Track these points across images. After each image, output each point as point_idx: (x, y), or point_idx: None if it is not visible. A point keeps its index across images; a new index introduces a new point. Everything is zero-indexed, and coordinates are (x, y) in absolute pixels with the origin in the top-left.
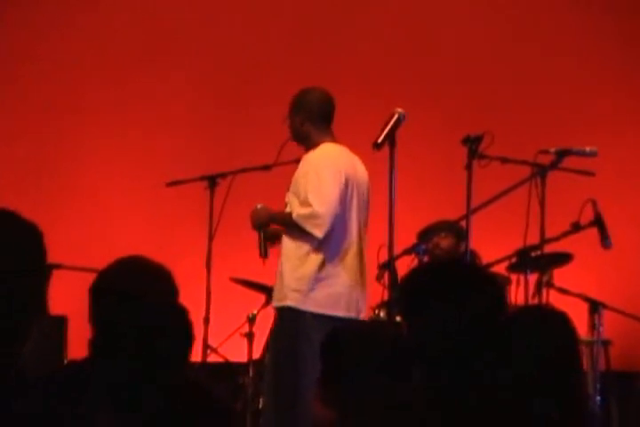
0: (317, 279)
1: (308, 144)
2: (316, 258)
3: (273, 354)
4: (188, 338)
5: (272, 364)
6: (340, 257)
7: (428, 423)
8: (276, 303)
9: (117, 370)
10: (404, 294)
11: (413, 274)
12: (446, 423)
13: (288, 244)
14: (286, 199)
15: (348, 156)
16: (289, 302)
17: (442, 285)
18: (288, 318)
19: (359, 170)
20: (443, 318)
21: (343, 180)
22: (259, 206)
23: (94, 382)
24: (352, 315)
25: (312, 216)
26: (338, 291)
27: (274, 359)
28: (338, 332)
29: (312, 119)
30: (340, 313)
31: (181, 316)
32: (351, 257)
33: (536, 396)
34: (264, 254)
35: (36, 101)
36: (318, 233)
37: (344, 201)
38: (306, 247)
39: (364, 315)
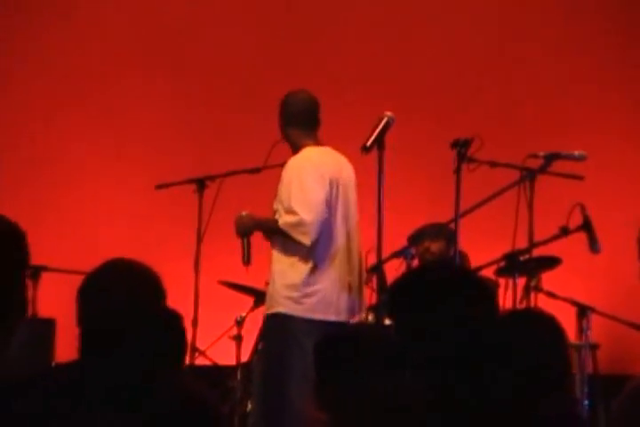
0: (307, 285)
1: (293, 148)
2: (305, 264)
3: (263, 359)
4: (180, 343)
5: (262, 369)
6: (328, 262)
7: (428, 425)
8: (267, 310)
9: (108, 375)
10: (398, 295)
11: (406, 277)
12: (445, 425)
13: (277, 251)
14: (274, 207)
15: (331, 158)
16: (280, 309)
17: (436, 288)
18: (279, 325)
19: (344, 171)
20: (438, 322)
21: (327, 184)
22: (243, 213)
23: (85, 386)
24: (343, 319)
25: (299, 224)
26: (328, 296)
27: (263, 365)
28: (330, 337)
29: (294, 123)
30: (332, 318)
31: (174, 321)
32: (340, 261)
33: (528, 399)
34: (247, 261)
35: (25, 104)
36: (306, 241)
37: (329, 206)
38: (294, 254)
39: (360, 317)
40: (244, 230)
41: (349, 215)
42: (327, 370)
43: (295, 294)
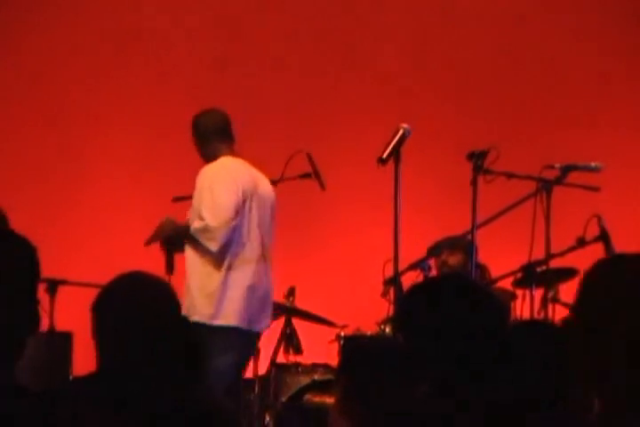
0: (221, 293)
1: (208, 160)
2: (220, 273)
3: None
4: (194, 352)
5: None
6: (242, 270)
7: None
8: (187, 315)
9: (127, 386)
10: (405, 306)
11: (413, 289)
12: None
13: (193, 260)
14: (188, 215)
15: (246, 169)
16: (197, 318)
17: (442, 297)
18: (198, 333)
19: (260, 183)
20: (445, 330)
21: (240, 192)
22: (166, 219)
23: (101, 395)
24: (258, 326)
25: (205, 230)
26: (243, 304)
27: None
28: (353, 349)
29: (208, 138)
30: (254, 328)
31: (185, 329)
32: (256, 270)
33: (536, 409)
34: (170, 271)
35: (41, 117)
36: (213, 247)
37: (242, 214)
38: (210, 263)
39: (268, 324)
40: (162, 235)
41: (266, 227)
42: (350, 381)
43: (212, 303)
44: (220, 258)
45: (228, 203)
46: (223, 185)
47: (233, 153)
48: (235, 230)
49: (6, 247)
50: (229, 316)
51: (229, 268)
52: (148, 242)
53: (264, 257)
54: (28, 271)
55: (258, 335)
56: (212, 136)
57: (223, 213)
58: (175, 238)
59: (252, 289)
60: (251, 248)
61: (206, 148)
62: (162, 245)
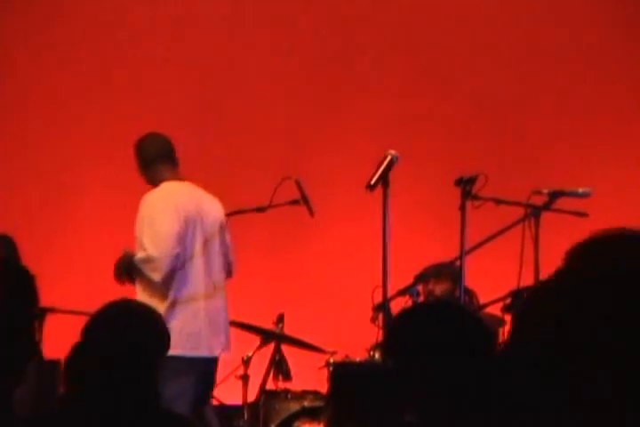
0: (173, 323)
1: (153, 185)
2: (164, 301)
3: None
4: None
5: None
6: (188, 298)
7: None
8: None
9: (94, 406)
10: (394, 332)
11: (402, 314)
12: None
13: (140, 290)
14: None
15: (189, 193)
16: None
17: (430, 323)
18: None
19: (206, 206)
20: (433, 355)
21: (181, 219)
22: (123, 252)
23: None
24: (211, 353)
25: (148, 260)
26: (192, 331)
27: None
28: (342, 375)
29: (150, 162)
30: (204, 353)
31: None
32: (204, 296)
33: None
34: None
35: (37, 147)
36: (156, 277)
37: (185, 241)
38: (156, 293)
39: (225, 350)
40: (122, 270)
41: (215, 251)
42: (340, 407)
43: None
44: (165, 288)
45: (169, 231)
46: (164, 214)
47: (177, 176)
48: (178, 259)
49: (6, 276)
50: (175, 345)
51: (175, 296)
52: (119, 280)
53: (213, 282)
54: (26, 300)
55: (215, 360)
56: (155, 160)
57: (164, 242)
58: (132, 270)
59: (199, 316)
60: (196, 275)
61: (149, 172)
62: (125, 280)
